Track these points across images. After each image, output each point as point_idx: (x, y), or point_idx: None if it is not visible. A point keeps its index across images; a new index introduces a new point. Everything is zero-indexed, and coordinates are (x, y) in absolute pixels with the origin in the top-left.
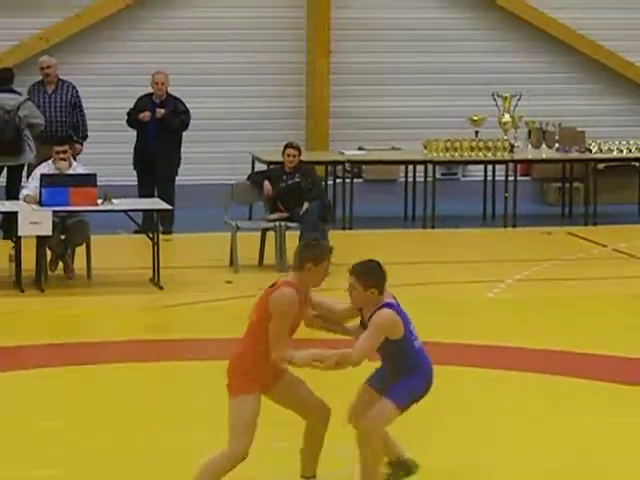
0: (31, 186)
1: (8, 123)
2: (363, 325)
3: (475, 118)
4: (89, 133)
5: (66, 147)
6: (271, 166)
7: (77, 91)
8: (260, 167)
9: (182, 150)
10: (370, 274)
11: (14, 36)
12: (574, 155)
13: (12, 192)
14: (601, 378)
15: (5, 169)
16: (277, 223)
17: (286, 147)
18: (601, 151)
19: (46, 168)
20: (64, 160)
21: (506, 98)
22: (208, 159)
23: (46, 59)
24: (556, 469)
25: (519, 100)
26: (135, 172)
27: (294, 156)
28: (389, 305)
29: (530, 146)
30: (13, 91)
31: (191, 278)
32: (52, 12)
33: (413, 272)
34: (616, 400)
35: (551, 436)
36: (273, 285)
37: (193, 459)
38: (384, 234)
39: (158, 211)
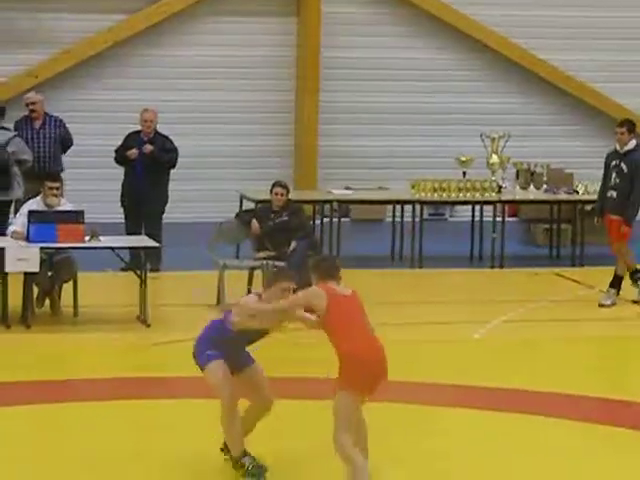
0: (19, 222)
1: None
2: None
3: (463, 159)
4: (77, 170)
5: (58, 183)
6: (259, 205)
7: (65, 125)
8: (248, 206)
9: (169, 188)
10: None
11: (2, 72)
12: (562, 196)
13: None
14: (583, 419)
15: None
16: (264, 262)
17: (274, 186)
18: (588, 193)
19: (34, 205)
20: (55, 196)
21: (494, 139)
22: (196, 197)
23: (31, 96)
24: None
25: (507, 141)
26: (122, 209)
27: (282, 195)
28: None
29: (518, 187)
30: (2, 127)
31: (178, 316)
32: (40, 49)
33: (399, 312)
34: (592, 439)
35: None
36: None
37: None
38: (371, 274)
39: (145, 249)
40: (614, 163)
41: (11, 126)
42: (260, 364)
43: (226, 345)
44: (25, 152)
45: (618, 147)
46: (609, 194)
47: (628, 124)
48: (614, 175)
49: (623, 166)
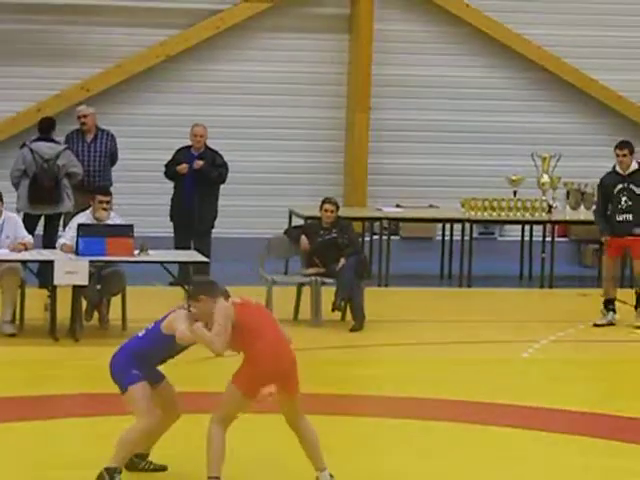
0: (68, 235)
1: (47, 172)
2: None
3: (514, 178)
4: (127, 184)
5: (109, 197)
6: (308, 221)
7: (115, 139)
8: (297, 222)
9: (219, 203)
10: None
11: (55, 86)
12: None
13: (49, 241)
14: (631, 440)
15: (42, 217)
16: (313, 278)
17: (324, 202)
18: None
19: (83, 217)
20: (105, 210)
21: (545, 159)
22: (245, 213)
23: (83, 108)
24: None
25: (558, 161)
26: (172, 224)
27: (331, 211)
28: None
29: (568, 207)
30: (53, 140)
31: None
32: (92, 62)
33: (448, 330)
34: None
35: None
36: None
37: None
38: (420, 292)
39: (194, 263)
40: (620, 187)
41: (62, 139)
42: (169, 380)
43: (146, 361)
44: (75, 165)
45: (620, 170)
46: (621, 218)
47: (629, 146)
48: (624, 198)
49: (633, 187)
